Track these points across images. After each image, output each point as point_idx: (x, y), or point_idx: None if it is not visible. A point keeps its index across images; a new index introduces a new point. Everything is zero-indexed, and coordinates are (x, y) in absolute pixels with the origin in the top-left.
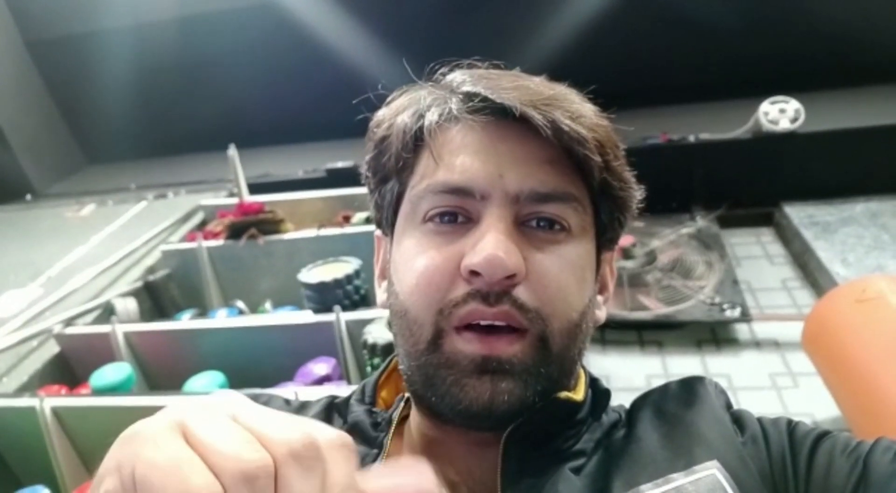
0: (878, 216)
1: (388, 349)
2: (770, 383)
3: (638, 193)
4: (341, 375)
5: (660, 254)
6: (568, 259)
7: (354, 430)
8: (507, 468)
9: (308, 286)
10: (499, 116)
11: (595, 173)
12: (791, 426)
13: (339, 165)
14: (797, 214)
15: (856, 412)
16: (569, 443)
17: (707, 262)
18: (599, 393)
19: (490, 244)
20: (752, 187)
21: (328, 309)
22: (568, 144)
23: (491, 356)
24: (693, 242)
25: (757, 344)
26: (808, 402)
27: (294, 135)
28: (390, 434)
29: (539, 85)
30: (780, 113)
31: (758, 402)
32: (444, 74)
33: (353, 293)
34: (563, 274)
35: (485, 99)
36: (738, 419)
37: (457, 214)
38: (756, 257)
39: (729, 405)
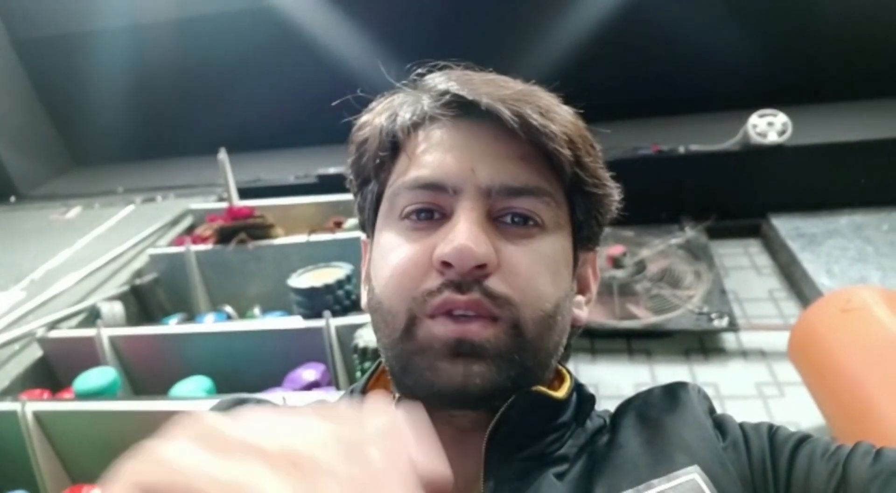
0: (862, 229)
1: (378, 353)
2: (756, 392)
3: (614, 192)
4: (330, 381)
5: (649, 264)
6: (540, 252)
7: None
8: (490, 471)
9: (298, 291)
10: (470, 114)
11: (566, 168)
12: (772, 431)
13: (331, 170)
14: (784, 225)
15: (840, 420)
16: (553, 447)
17: (695, 272)
18: (584, 398)
19: (461, 235)
20: (740, 199)
21: (318, 315)
22: (537, 139)
23: (464, 339)
24: (682, 252)
25: (744, 354)
26: (794, 411)
27: (286, 140)
28: None
29: (510, 83)
30: (768, 126)
31: (744, 411)
32: (420, 75)
33: (343, 298)
34: (535, 266)
35: (455, 96)
36: (720, 424)
37: (432, 211)
38: (743, 267)
39: (712, 411)
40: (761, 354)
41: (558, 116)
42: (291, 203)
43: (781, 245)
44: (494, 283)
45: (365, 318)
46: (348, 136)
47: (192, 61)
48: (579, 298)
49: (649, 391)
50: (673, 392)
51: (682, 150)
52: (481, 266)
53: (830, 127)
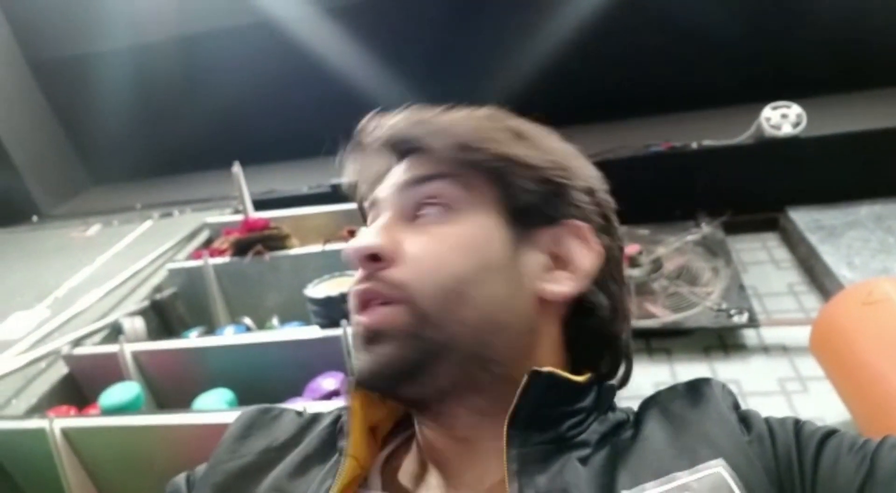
0: (883, 219)
1: None
2: (779, 387)
3: (544, 169)
4: None
5: (665, 262)
6: (444, 233)
7: (340, 431)
8: (511, 454)
9: (314, 301)
10: (394, 151)
11: (448, 154)
12: (798, 425)
13: (344, 180)
14: (802, 218)
15: (865, 414)
16: (573, 431)
17: (713, 268)
18: (605, 388)
19: (361, 233)
20: (756, 193)
21: (335, 323)
22: (417, 143)
23: (367, 328)
24: (698, 248)
25: (765, 349)
26: (818, 406)
27: (298, 151)
28: (348, 429)
29: (431, 114)
30: (782, 118)
31: (767, 407)
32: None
33: None
34: (434, 246)
35: (380, 142)
36: (745, 419)
37: None
38: (762, 262)
39: (736, 406)
40: (783, 349)
41: (448, 120)
42: (306, 213)
43: (800, 238)
44: (391, 272)
45: None
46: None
47: (202, 77)
48: (557, 273)
49: (673, 387)
50: (696, 388)
51: (694, 145)
52: (374, 258)
53: (846, 116)
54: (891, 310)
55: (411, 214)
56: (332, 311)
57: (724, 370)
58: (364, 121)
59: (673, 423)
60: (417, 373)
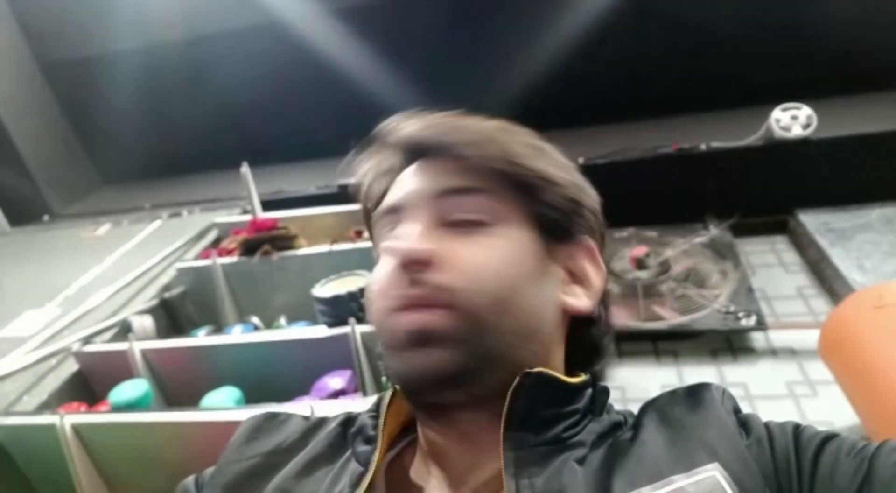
0: (894, 222)
1: None
2: (787, 391)
3: (563, 183)
4: (357, 387)
5: (673, 264)
6: (485, 243)
7: (357, 436)
8: (508, 457)
9: (322, 301)
10: (420, 154)
11: (495, 166)
12: (797, 430)
13: (352, 180)
14: (812, 221)
15: (875, 419)
16: (569, 432)
17: (721, 271)
18: (599, 390)
19: (402, 236)
20: (765, 195)
21: (343, 323)
22: (461, 152)
23: (418, 330)
24: (707, 251)
25: (773, 352)
26: (827, 410)
27: (306, 152)
28: (379, 440)
29: (455, 121)
30: (791, 120)
31: (775, 411)
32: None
33: (367, 306)
34: (478, 255)
35: (406, 144)
36: (745, 423)
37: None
38: (771, 265)
39: (737, 410)
40: (791, 352)
41: (477, 130)
42: (313, 214)
43: (810, 241)
44: (439, 276)
45: None
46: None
47: (211, 78)
48: (575, 288)
49: (673, 392)
50: (695, 392)
51: (703, 147)
52: (421, 260)
53: (857, 118)
54: None
55: (445, 223)
56: (339, 310)
57: (732, 373)
58: (386, 122)
59: (671, 428)
60: (465, 379)
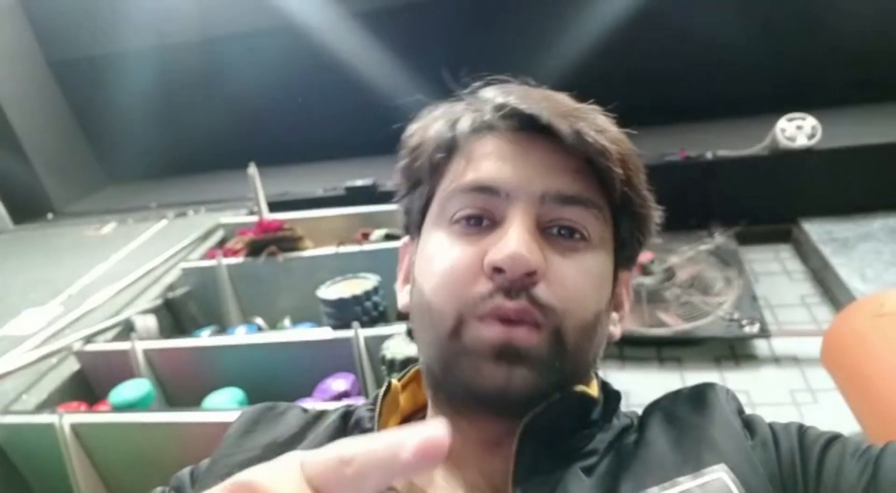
0: None
1: (406, 364)
2: (790, 399)
3: (657, 214)
4: (360, 390)
5: (678, 270)
6: (585, 265)
7: (354, 429)
8: (520, 464)
9: (327, 303)
10: (527, 127)
11: (616, 185)
12: (802, 430)
13: (359, 183)
14: (815, 230)
15: (877, 427)
16: (582, 443)
17: (726, 278)
18: (610, 395)
19: (513, 242)
20: (769, 204)
21: (347, 325)
22: (591, 155)
23: (510, 343)
24: (711, 258)
25: (776, 360)
26: (829, 418)
27: (313, 153)
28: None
29: (566, 100)
30: (797, 130)
31: (777, 418)
32: (476, 89)
33: (371, 310)
34: (580, 277)
35: (514, 109)
36: (749, 424)
37: (482, 218)
38: (774, 273)
39: (741, 411)
40: (794, 360)
41: (612, 133)
42: (320, 216)
43: (813, 250)
44: (542, 291)
45: (392, 329)
46: (374, 148)
47: (220, 79)
48: (613, 315)
49: (677, 392)
50: (700, 393)
51: (709, 155)
52: (531, 273)
53: (861, 129)
54: None
55: (543, 228)
56: (344, 312)
57: (735, 380)
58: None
59: (676, 428)
60: (539, 401)
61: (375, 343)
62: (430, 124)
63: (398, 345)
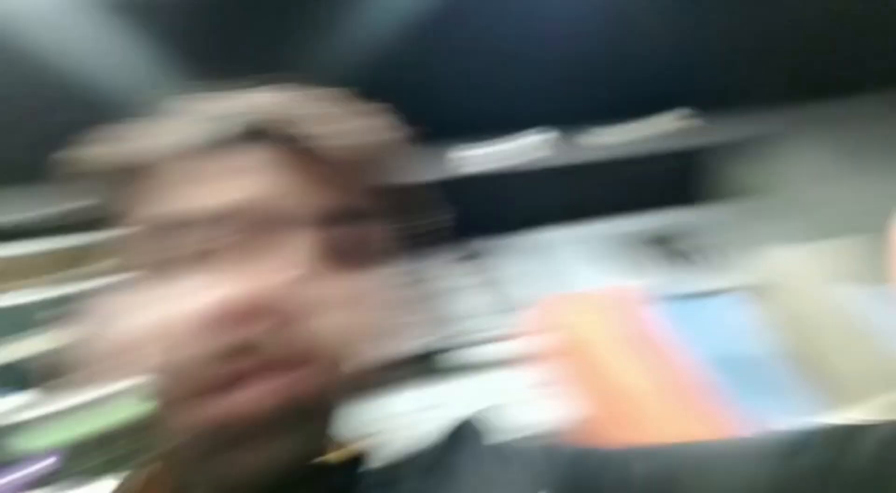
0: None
1: None
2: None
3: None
4: None
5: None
6: (363, 293)
7: None
8: None
9: None
10: (263, 138)
11: (370, 184)
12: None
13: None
14: (493, 245)
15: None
16: None
17: (416, 296)
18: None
19: (264, 268)
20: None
21: None
22: (337, 158)
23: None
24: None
25: (485, 367)
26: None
27: None
28: None
29: (306, 99)
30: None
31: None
32: (197, 97)
33: None
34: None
35: (246, 120)
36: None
37: (217, 248)
38: (459, 287)
39: (509, 444)
40: (497, 364)
41: (354, 133)
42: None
43: (490, 264)
44: (308, 332)
45: None
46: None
47: None
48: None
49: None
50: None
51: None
52: (286, 313)
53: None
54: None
55: (325, 252)
56: None
57: (441, 392)
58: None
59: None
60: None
61: None
62: (132, 144)
63: None
